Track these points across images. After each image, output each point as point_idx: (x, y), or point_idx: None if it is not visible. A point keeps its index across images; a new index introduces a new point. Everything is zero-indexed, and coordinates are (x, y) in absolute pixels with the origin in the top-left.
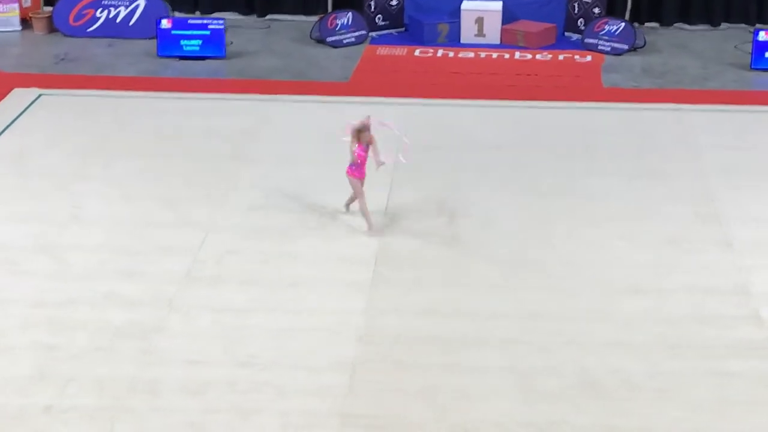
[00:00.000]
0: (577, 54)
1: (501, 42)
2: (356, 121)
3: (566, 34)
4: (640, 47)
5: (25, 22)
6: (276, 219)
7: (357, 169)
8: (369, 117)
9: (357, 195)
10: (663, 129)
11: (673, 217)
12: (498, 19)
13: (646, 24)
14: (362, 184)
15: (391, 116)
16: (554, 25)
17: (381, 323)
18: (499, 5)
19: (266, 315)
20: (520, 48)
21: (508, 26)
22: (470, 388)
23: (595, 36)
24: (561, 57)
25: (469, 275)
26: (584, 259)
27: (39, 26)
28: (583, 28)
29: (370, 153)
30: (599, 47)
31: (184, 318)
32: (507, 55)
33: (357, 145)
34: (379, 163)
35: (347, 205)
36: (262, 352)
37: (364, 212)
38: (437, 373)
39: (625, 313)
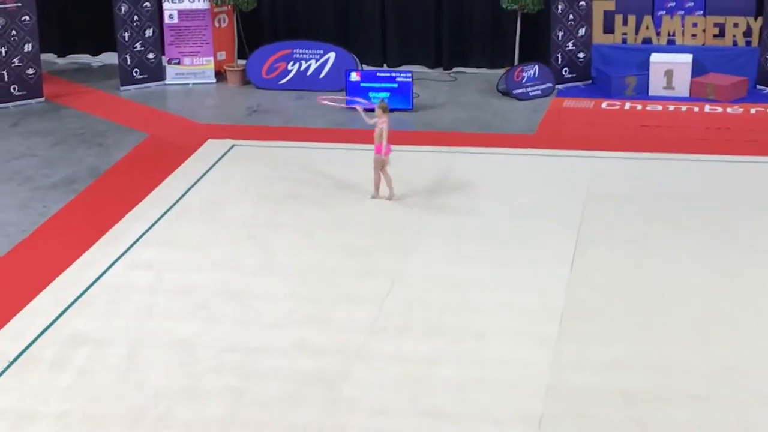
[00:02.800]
0: None
1: (690, 95)
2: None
3: (758, 87)
4: None
5: (220, 75)
6: (462, 269)
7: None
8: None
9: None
10: None
11: None
12: (688, 71)
13: None
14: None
15: (578, 169)
16: (746, 78)
17: (567, 377)
18: (689, 58)
19: (452, 366)
20: (710, 101)
21: (698, 79)
22: None
23: None
24: (753, 111)
25: (658, 328)
26: None
27: (233, 79)
28: None
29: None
30: None
31: (370, 367)
32: (697, 108)
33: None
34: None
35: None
36: (448, 402)
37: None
38: (623, 429)
39: None
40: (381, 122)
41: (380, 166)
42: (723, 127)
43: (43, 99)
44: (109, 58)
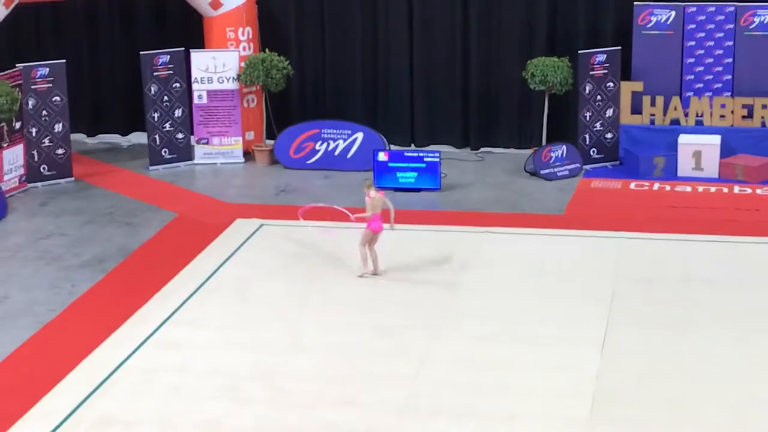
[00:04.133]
0: None
1: (719, 176)
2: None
3: None
4: None
5: (248, 155)
6: (491, 350)
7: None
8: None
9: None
10: None
11: None
12: (716, 152)
13: None
14: None
15: (607, 249)
16: None
17: None
18: (717, 139)
19: None
20: (739, 182)
21: (726, 160)
22: None
23: None
24: None
25: (692, 414)
26: None
27: (261, 158)
28: None
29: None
30: None
31: None
32: (726, 189)
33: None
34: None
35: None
36: None
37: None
38: None
39: None
40: (368, 198)
41: (367, 241)
42: (752, 208)
43: (72, 179)
44: (138, 138)
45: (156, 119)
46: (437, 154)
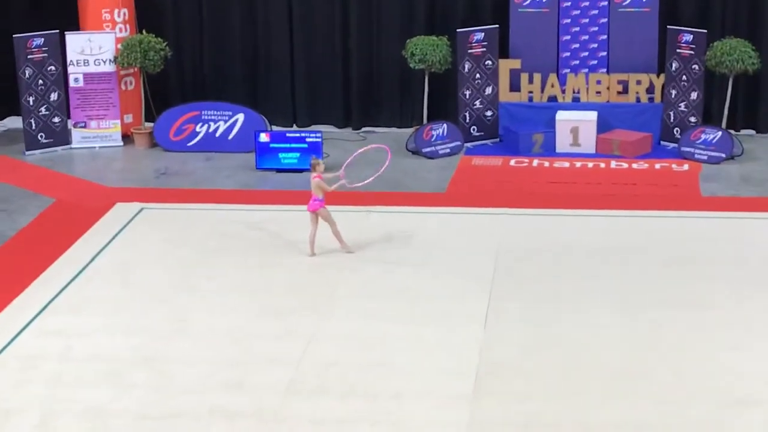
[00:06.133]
0: (674, 163)
1: (596, 151)
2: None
3: (662, 143)
4: (738, 155)
5: (127, 138)
6: (377, 329)
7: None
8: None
9: (333, 223)
10: (765, 237)
11: None
12: (593, 128)
13: (742, 131)
14: None
15: (489, 226)
16: (650, 134)
17: None
18: (594, 115)
19: (368, 426)
20: (616, 157)
21: (603, 135)
22: None
23: (692, 145)
24: (658, 166)
25: (574, 385)
26: (692, 369)
27: (140, 141)
28: (679, 136)
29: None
30: (696, 156)
31: (287, 430)
32: (603, 165)
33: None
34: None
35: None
36: None
37: (339, 237)
38: None
39: (737, 425)
40: (318, 177)
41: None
42: (629, 182)
43: None
44: (14, 122)
45: (31, 103)
46: (319, 135)
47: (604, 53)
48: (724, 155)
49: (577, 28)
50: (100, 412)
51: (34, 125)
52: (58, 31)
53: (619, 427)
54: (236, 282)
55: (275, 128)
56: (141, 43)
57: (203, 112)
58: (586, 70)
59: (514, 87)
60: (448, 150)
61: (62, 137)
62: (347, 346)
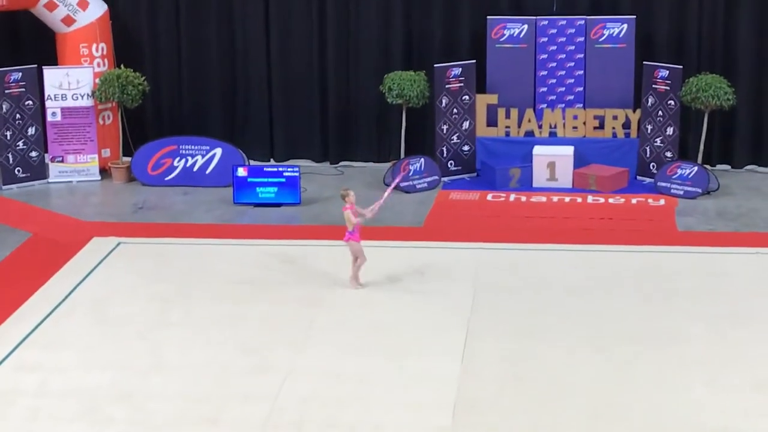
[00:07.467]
0: (650, 198)
1: (573, 186)
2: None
3: (638, 177)
4: (714, 190)
5: (104, 172)
6: (354, 363)
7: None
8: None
9: (359, 258)
10: (741, 272)
11: (759, 361)
12: (570, 163)
13: (718, 166)
14: None
15: (466, 260)
16: (626, 169)
17: None
18: (570, 150)
19: None
20: (592, 192)
21: (580, 170)
22: None
23: (668, 180)
24: (634, 201)
25: (549, 420)
26: (668, 404)
27: (118, 176)
28: (655, 171)
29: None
30: (672, 191)
31: None
32: (579, 199)
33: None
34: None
35: (357, 279)
36: None
37: (356, 273)
38: None
39: None
40: (351, 209)
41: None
42: (605, 217)
43: None
44: None
45: (8, 137)
46: (297, 169)
47: (581, 88)
48: (700, 190)
49: (554, 64)
50: None
51: (11, 159)
52: (36, 65)
53: None
54: (213, 317)
55: (253, 162)
56: (119, 78)
57: (181, 147)
58: (563, 105)
59: (491, 122)
60: (425, 184)
61: (39, 171)
62: (324, 381)
